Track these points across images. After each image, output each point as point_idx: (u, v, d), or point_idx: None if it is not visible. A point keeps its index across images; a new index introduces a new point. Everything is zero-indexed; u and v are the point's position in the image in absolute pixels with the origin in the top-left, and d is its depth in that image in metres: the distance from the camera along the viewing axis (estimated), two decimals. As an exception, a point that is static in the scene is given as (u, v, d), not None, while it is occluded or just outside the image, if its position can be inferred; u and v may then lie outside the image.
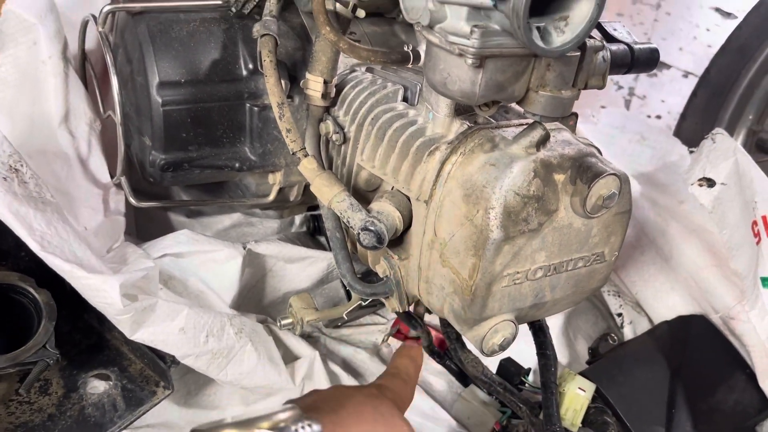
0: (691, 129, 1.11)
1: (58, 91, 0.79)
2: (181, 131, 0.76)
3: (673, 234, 0.91)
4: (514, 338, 0.65)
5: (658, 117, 1.51)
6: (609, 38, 0.64)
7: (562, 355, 0.92)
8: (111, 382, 0.70)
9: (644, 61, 0.63)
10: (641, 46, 0.64)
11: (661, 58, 1.73)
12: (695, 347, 0.85)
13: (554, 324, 0.93)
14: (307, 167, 0.66)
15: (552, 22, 0.50)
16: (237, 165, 0.81)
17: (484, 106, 0.58)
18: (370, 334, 0.91)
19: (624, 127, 1.04)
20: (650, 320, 0.94)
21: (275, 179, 0.85)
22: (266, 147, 0.81)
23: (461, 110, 0.64)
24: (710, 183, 0.85)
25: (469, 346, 0.81)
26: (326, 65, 0.72)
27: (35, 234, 0.61)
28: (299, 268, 0.86)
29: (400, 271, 0.69)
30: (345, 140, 0.73)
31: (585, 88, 0.58)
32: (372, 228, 0.63)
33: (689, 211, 0.91)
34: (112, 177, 0.82)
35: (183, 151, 0.78)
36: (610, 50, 0.59)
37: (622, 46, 0.63)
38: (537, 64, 0.54)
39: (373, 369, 0.85)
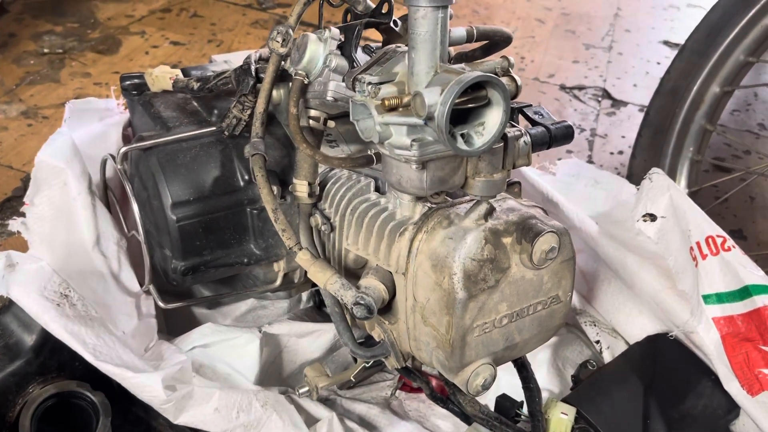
0: (641, 166, 1.25)
1: (88, 221, 0.94)
2: (195, 240, 0.91)
3: (631, 264, 1.03)
4: (494, 379, 0.78)
5: (620, 152, 1.65)
6: (533, 122, 0.79)
7: (553, 385, 1.03)
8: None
9: (561, 137, 0.78)
10: (557, 126, 0.78)
11: (618, 96, 1.88)
12: (664, 362, 0.96)
13: (543, 358, 1.04)
14: (303, 258, 0.80)
15: (472, 128, 0.64)
16: (245, 260, 0.95)
17: (435, 195, 0.72)
18: (380, 390, 1.03)
19: (579, 174, 1.17)
20: (626, 343, 1.05)
21: (279, 267, 0.99)
22: (268, 241, 0.95)
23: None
24: (652, 217, 0.98)
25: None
26: (308, 170, 0.86)
27: (88, 347, 0.75)
28: (309, 341, 0.99)
29: (393, 334, 0.82)
30: (332, 229, 0.87)
31: (514, 167, 0.72)
32: (362, 302, 0.76)
33: (643, 242, 1.03)
34: (141, 285, 0.96)
35: (199, 257, 0.92)
36: (530, 134, 0.73)
37: (540, 129, 0.77)
38: (470, 159, 0.68)
39: (385, 421, 0.96)
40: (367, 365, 0.92)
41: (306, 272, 1.00)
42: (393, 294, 0.80)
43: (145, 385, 0.74)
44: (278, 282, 0.99)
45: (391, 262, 0.77)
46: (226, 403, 0.81)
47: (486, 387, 0.77)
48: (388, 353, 0.84)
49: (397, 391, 1.02)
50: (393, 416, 0.98)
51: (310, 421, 0.93)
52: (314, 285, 1.15)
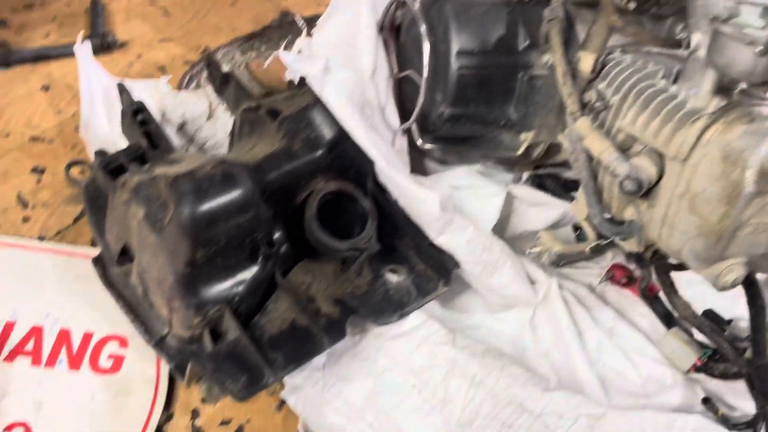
0: None
1: (370, 53, 1.01)
2: (467, 91, 0.97)
3: None
4: (742, 279, 0.80)
5: None
6: None
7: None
8: (403, 276, 0.92)
9: None
10: None
11: None
12: None
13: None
14: (584, 125, 0.84)
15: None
16: (502, 122, 1.00)
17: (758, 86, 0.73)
18: (585, 276, 1.08)
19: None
20: None
21: (526, 137, 1.04)
22: (528, 109, 0.99)
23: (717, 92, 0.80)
24: None
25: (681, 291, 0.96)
26: (599, 45, 0.89)
27: (381, 153, 0.84)
28: (538, 212, 1.04)
29: (645, 216, 0.86)
30: (605, 108, 0.90)
31: None
32: (635, 176, 0.80)
33: None
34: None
35: (464, 107, 0.98)
36: None
37: None
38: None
39: (592, 303, 1.02)
40: (602, 243, 0.97)
41: (545, 151, 1.08)
42: (658, 179, 0.83)
43: (424, 200, 0.83)
44: (519, 151, 1.05)
45: (671, 147, 0.80)
46: (476, 238, 0.89)
47: (734, 284, 0.80)
48: (631, 235, 0.88)
49: (605, 282, 1.07)
50: (598, 300, 1.03)
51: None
52: (538, 167, 1.20)
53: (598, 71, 0.92)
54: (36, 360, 0.85)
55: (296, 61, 0.92)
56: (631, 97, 0.86)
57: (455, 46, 0.94)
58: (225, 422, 0.84)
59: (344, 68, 0.90)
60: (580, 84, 0.92)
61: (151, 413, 0.83)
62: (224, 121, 1.10)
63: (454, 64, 0.95)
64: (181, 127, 1.08)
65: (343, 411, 0.84)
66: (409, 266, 0.94)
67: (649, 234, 0.87)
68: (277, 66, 1.34)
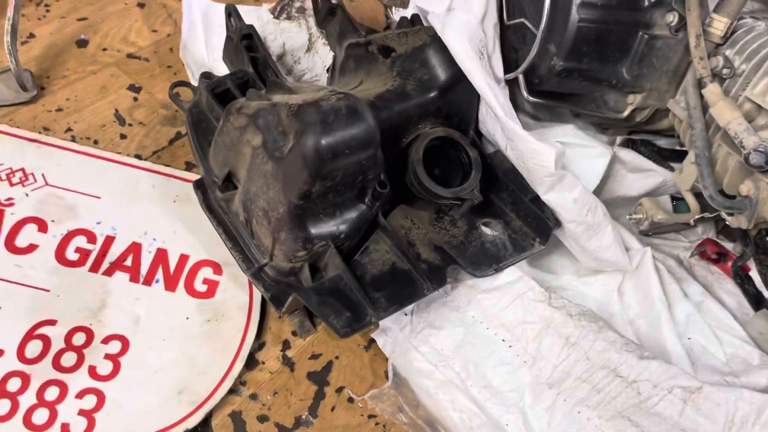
0: None
1: (481, -2, 0.98)
2: (583, 45, 0.93)
3: None
4: None
5: None
6: None
7: None
8: (498, 231, 0.91)
9: None
10: None
11: None
12: None
13: None
14: (713, 91, 0.81)
15: None
16: (613, 81, 0.97)
17: None
18: (673, 248, 1.06)
19: None
20: None
21: (634, 100, 1.00)
22: (641, 71, 0.95)
23: None
24: None
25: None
26: (734, 9, 0.84)
27: (499, 102, 0.82)
28: (637, 178, 1.01)
29: (764, 193, 0.83)
30: (732, 76, 0.86)
31: None
32: (763, 150, 0.76)
33: None
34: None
35: (578, 62, 0.94)
36: None
37: None
38: None
39: (682, 275, 1.00)
40: (707, 216, 0.94)
41: (651, 116, 1.04)
42: (785, 154, 0.80)
43: (541, 154, 0.81)
44: (624, 114, 1.01)
45: (807, 123, 0.76)
46: (582, 198, 0.86)
47: None
48: (742, 211, 0.85)
49: (695, 257, 1.04)
50: (687, 274, 1.01)
51: (622, 249, 0.98)
52: (631, 132, 1.17)
53: (727, 37, 0.87)
54: (134, 277, 0.87)
55: (418, -4, 0.89)
56: (764, 66, 0.82)
57: (580, -3, 0.90)
58: (314, 356, 0.85)
59: (466, 9, 0.87)
60: (707, 48, 0.88)
61: (243, 339, 0.84)
62: (323, 54, 1.07)
63: (575, 15, 0.91)
64: (280, 57, 1.06)
65: (431, 357, 0.85)
66: (504, 221, 0.92)
67: (764, 212, 0.84)
68: (368, 4, 1.31)
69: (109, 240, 0.88)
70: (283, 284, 0.84)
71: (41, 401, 0.76)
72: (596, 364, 0.82)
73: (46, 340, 0.80)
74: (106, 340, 0.82)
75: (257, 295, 0.88)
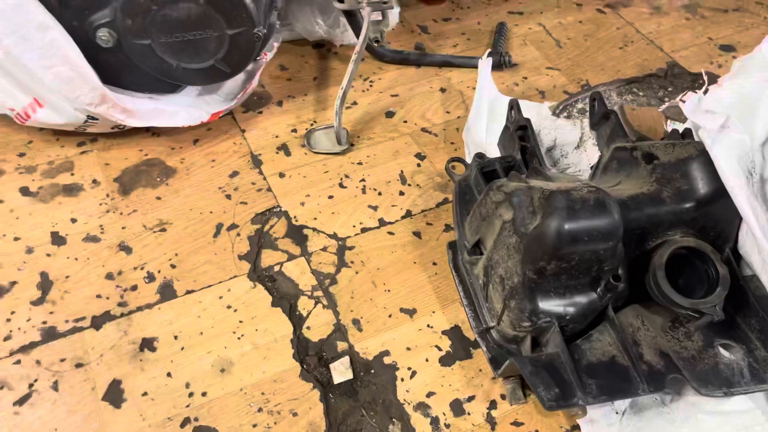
0: None
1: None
2: None
3: None
4: None
5: None
6: None
7: None
8: (738, 356, 0.87)
9: None
10: None
11: None
12: None
13: None
14: None
15: None
16: None
17: None
18: None
19: None
20: None
21: None
22: None
23: None
24: None
25: None
26: None
27: (759, 226, 0.81)
28: None
29: None
30: None
31: None
32: None
33: None
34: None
35: None
36: None
37: None
38: None
39: None
40: None
41: None
42: None
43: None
44: None
45: None
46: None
47: None
48: None
49: None
50: None
51: None
52: None
53: None
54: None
55: (696, 112, 0.92)
56: None
57: None
58: (517, 423, 0.90)
59: (742, 130, 0.88)
60: None
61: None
62: (590, 153, 1.15)
63: None
64: (549, 150, 1.16)
65: (634, 462, 0.83)
66: (747, 348, 0.88)
67: None
68: (649, 113, 1.35)
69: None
70: (504, 349, 0.91)
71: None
72: None
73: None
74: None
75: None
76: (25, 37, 1.04)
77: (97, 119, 1.14)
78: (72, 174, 1.17)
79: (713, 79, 1.37)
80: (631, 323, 0.89)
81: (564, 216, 0.78)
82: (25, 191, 1.14)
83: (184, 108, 1.21)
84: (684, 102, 0.95)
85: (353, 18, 1.33)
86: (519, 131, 1.07)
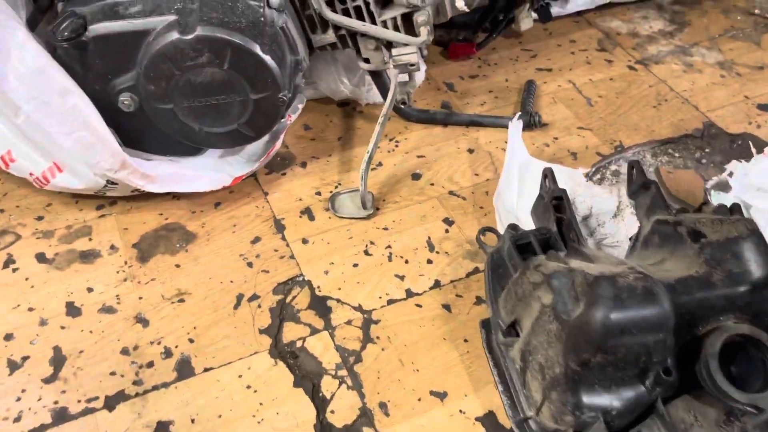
0: None
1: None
2: None
3: None
4: None
5: None
6: None
7: None
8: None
9: None
10: None
11: None
12: None
13: None
14: None
15: None
16: None
17: None
18: None
19: None
20: None
21: None
22: None
23: None
24: None
25: None
26: None
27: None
28: None
29: None
30: None
31: None
32: None
33: None
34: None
35: None
36: None
37: None
38: None
39: None
40: None
41: None
42: None
43: None
44: None
45: None
46: None
47: None
48: None
49: None
50: None
51: None
52: None
53: None
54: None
55: (746, 190, 0.87)
56: None
57: None
58: None
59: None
60: None
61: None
62: (629, 222, 1.09)
63: None
64: (585, 219, 1.11)
65: None
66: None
67: None
68: (687, 176, 1.30)
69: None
70: (544, 441, 0.84)
71: None
72: None
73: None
74: None
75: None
76: (46, 102, 1.02)
77: (116, 184, 1.11)
78: (90, 239, 1.14)
79: (756, 143, 1.31)
80: (683, 418, 0.82)
81: (610, 306, 0.72)
82: (41, 257, 1.11)
83: (206, 172, 1.18)
84: (731, 176, 0.90)
85: (379, 77, 1.30)
86: (554, 201, 1.02)
